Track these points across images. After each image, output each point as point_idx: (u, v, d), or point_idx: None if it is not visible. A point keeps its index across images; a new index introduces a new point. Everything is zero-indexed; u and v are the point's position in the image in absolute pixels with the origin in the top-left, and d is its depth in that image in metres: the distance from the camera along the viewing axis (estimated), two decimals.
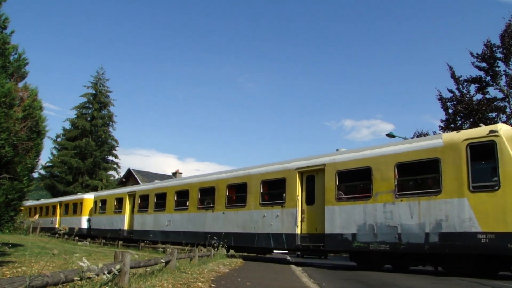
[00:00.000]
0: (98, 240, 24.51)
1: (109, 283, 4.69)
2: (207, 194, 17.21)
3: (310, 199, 13.33)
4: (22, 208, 36.60)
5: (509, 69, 22.70)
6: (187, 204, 18.00)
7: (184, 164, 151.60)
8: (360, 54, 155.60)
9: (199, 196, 17.44)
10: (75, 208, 29.66)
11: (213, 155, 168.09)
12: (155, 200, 20.48)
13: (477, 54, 23.82)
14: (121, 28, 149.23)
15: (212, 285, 6.52)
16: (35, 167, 10.37)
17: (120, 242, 21.76)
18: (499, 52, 23.00)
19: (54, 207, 32.97)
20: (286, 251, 24.61)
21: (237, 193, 16.16)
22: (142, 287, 5.33)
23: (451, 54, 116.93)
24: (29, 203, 39.99)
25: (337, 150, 13.89)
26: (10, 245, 10.98)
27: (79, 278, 3.90)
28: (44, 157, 51.59)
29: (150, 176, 40.65)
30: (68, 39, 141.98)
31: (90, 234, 26.89)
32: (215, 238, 14.69)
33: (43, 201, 37.78)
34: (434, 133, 25.39)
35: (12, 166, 8.70)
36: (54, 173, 44.51)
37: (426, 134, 25.94)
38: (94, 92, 46.95)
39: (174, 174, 40.79)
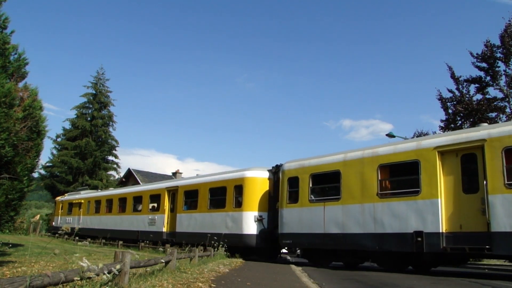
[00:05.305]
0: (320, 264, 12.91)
1: (109, 283, 4.69)
2: None
3: None
4: (82, 201, 27.33)
5: (509, 69, 22.69)
6: None
7: (183, 164, 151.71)
8: (359, 53, 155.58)
9: None
10: (219, 197, 16.41)
11: (213, 155, 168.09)
12: None
13: (477, 54, 23.84)
14: (121, 28, 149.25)
15: (212, 285, 6.52)
16: (35, 167, 10.38)
17: (120, 242, 21.57)
18: (499, 52, 23.01)
19: (156, 198, 20.17)
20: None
21: None
22: (142, 287, 5.33)
23: (450, 54, 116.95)
24: (92, 193, 28.29)
25: None
26: (10, 245, 11.03)
27: (79, 278, 3.90)
28: (44, 157, 51.63)
29: (150, 176, 40.72)
30: (68, 38, 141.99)
31: (273, 246, 14.95)
32: None
33: (122, 190, 24.84)
34: (434, 133, 25.36)
35: (12, 166, 8.71)
36: (54, 173, 44.51)
37: (426, 134, 25.88)
38: (94, 92, 46.94)
39: (174, 174, 40.82)
